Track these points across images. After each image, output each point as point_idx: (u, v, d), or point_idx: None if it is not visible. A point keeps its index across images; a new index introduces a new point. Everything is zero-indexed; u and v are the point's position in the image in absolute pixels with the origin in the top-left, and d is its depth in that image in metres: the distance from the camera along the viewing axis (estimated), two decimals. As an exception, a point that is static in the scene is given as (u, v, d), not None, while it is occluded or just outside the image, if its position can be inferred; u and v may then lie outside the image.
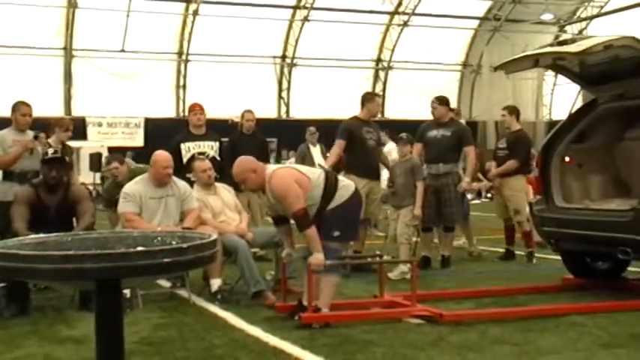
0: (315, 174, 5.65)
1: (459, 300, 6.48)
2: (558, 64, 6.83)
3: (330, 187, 5.52)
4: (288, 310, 5.70)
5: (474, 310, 6.08)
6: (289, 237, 5.84)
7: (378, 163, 8.55)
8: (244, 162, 5.65)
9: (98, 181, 18.84)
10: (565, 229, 6.75)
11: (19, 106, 7.07)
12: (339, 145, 8.15)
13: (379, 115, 27.36)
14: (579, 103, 7.55)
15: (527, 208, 8.71)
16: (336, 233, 5.49)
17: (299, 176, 5.52)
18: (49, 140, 7.51)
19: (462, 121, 9.96)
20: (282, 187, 5.42)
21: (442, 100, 8.60)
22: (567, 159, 7.15)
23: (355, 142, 8.11)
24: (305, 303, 5.51)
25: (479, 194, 20.98)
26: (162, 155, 6.71)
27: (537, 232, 7.61)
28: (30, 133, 7.03)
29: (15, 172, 6.88)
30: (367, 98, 8.47)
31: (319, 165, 9.74)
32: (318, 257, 5.38)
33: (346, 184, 5.67)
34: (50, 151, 6.55)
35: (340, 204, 5.51)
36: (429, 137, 8.38)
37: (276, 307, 5.88)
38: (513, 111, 9.33)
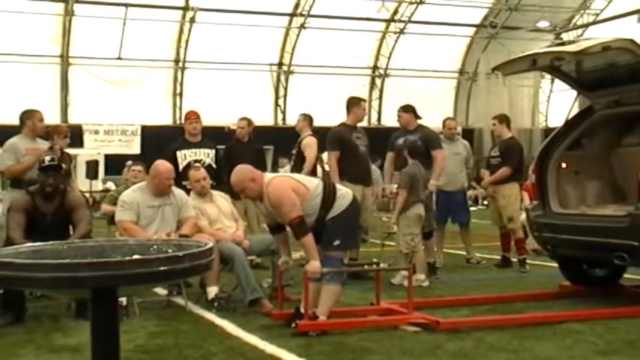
0: (314, 183, 5.65)
1: (455, 307, 6.48)
2: (556, 65, 6.84)
3: (329, 196, 5.53)
4: (284, 318, 5.70)
5: (470, 317, 6.08)
6: (285, 245, 5.84)
7: (370, 169, 8.56)
8: (243, 171, 5.64)
9: (97, 188, 18.81)
10: (561, 235, 6.76)
11: (35, 113, 7.08)
12: (334, 157, 8.11)
13: (376, 123, 27.64)
14: (576, 111, 7.58)
15: (521, 216, 8.75)
16: (337, 242, 5.50)
17: (296, 185, 5.53)
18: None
19: (459, 129, 9.97)
20: (279, 195, 5.42)
21: (406, 109, 8.62)
22: (564, 165, 7.18)
23: (347, 148, 8.12)
24: (303, 310, 5.50)
25: (476, 201, 21.03)
26: (165, 166, 6.72)
27: (534, 239, 7.62)
28: (41, 142, 7.01)
29: (24, 180, 6.87)
30: (353, 103, 8.47)
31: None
32: (314, 265, 5.39)
33: (344, 192, 5.67)
34: (47, 158, 6.55)
35: (339, 213, 5.51)
36: (399, 145, 8.38)
37: (273, 315, 5.88)
38: (503, 119, 9.39)
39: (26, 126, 7.09)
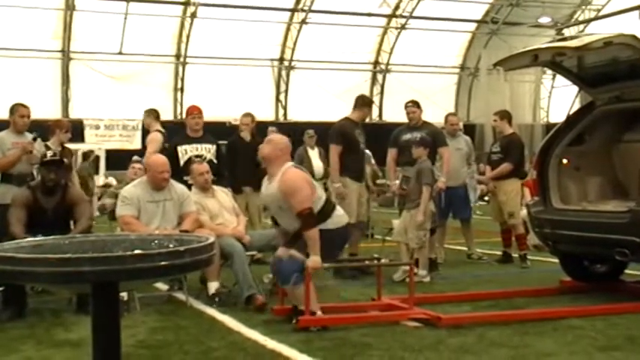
0: (320, 190, 5.71)
1: (456, 303, 6.48)
2: (557, 61, 6.82)
3: (327, 208, 5.56)
4: (285, 314, 5.70)
5: (472, 313, 6.08)
6: (286, 238, 5.83)
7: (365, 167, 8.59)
8: (284, 142, 5.67)
9: (98, 183, 18.82)
10: (562, 231, 6.76)
11: (17, 108, 7.07)
12: (336, 152, 8.03)
13: (377, 118, 27.59)
14: (577, 106, 7.56)
15: (522, 211, 8.75)
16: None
17: (310, 180, 5.60)
18: (48, 143, 7.53)
19: (460, 124, 9.98)
20: (295, 184, 5.42)
21: (418, 104, 8.63)
22: (565, 161, 7.17)
23: (349, 144, 8.08)
24: (300, 307, 5.50)
25: (481, 198, 20.94)
26: (158, 160, 6.71)
27: (535, 234, 7.62)
28: (28, 136, 7.03)
29: (14, 174, 6.88)
30: (365, 102, 8.51)
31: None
32: (315, 260, 5.38)
33: (341, 214, 5.70)
34: (49, 153, 6.55)
35: (329, 229, 5.49)
36: (404, 141, 8.35)
37: (274, 310, 5.88)
38: (505, 115, 9.41)
39: (11, 121, 7.10)
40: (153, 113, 9.11)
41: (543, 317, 5.78)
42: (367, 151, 11.67)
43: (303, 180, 5.49)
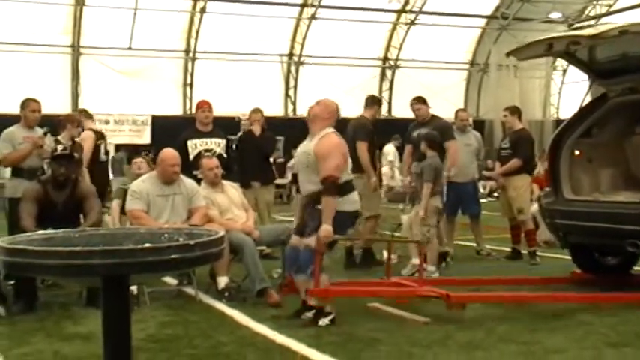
0: (349, 169, 5.71)
1: (465, 287, 6.51)
2: (571, 51, 6.76)
3: (346, 188, 5.54)
4: (294, 293, 5.70)
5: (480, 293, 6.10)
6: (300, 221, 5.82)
7: None
8: (336, 108, 5.75)
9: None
10: (573, 222, 6.72)
11: (29, 103, 7.09)
12: (366, 148, 8.12)
13: (386, 114, 27.54)
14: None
15: (532, 207, 8.72)
16: (309, 229, 5.45)
17: (345, 153, 5.60)
18: (59, 137, 7.55)
19: (470, 120, 9.95)
20: (332, 150, 5.44)
21: (423, 100, 8.62)
22: (577, 153, 7.12)
23: (371, 142, 8.22)
24: (309, 303, 5.49)
25: (489, 194, 20.90)
26: (169, 153, 6.72)
27: (546, 226, 7.58)
28: (39, 130, 7.05)
29: (24, 168, 6.91)
30: (375, 101, 8.78)
31: None
32: (327, 229, 5.33)
33: (356, 200, 5.67)
34: (60, 147, 6.58)
35: (340, 210, 5.45)
36: (414, 137, 8.38)
37: (283, 289, 5.97)
38: (515, 111, 9.37)
39: (22, 115, 7.13)
40: (84, 113, 9.38)
41: (552, 301, 5.80)
42: (393, 148, 11.64)
43: (340, 149, 5.51)
